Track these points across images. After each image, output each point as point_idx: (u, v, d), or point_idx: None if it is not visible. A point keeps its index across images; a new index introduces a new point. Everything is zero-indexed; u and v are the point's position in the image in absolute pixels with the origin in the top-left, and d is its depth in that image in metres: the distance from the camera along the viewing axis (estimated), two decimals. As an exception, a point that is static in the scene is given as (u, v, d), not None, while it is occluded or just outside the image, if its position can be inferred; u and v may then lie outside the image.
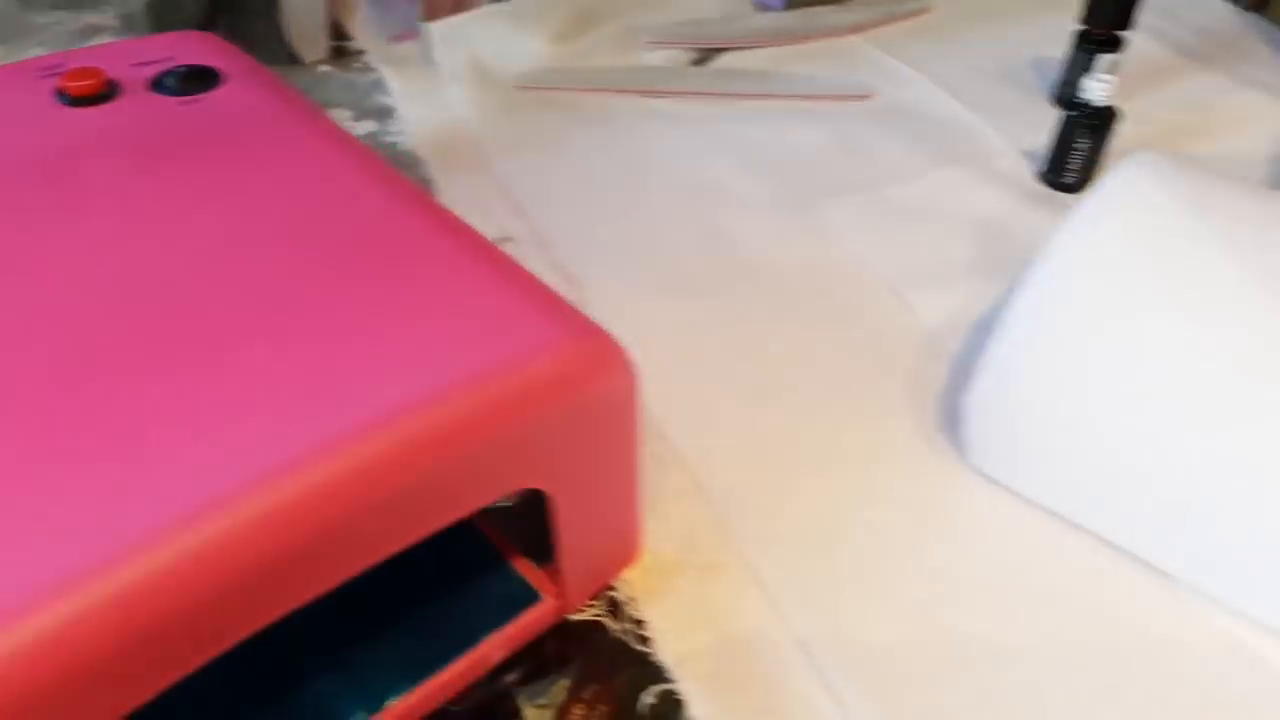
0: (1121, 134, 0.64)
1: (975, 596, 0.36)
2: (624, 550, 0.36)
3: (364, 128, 0.62)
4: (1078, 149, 0.57)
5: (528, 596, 0.34)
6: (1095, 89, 0.55)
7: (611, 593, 0.36)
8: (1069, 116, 0.56)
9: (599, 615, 0.35)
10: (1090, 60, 0.64)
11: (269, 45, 0.70)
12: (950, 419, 0.43)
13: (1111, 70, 0.64)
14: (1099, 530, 0.38)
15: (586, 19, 0.75)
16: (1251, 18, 0.79)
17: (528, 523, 0.34)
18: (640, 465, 0.33)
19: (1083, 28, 0.64)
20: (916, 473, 0.41)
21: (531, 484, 0.29)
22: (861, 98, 0.67)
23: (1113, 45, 0.64)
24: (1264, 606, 0.35)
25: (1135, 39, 0.74)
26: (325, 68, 0.69)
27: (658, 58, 0.72)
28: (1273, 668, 0.34)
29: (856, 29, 0.76)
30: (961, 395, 0.40)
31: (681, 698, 0.33)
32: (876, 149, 0.61)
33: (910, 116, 0.65)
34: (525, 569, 0.35)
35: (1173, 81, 0.70)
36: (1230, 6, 0.81)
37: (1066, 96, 0.63)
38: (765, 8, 0.79)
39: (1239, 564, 0.35)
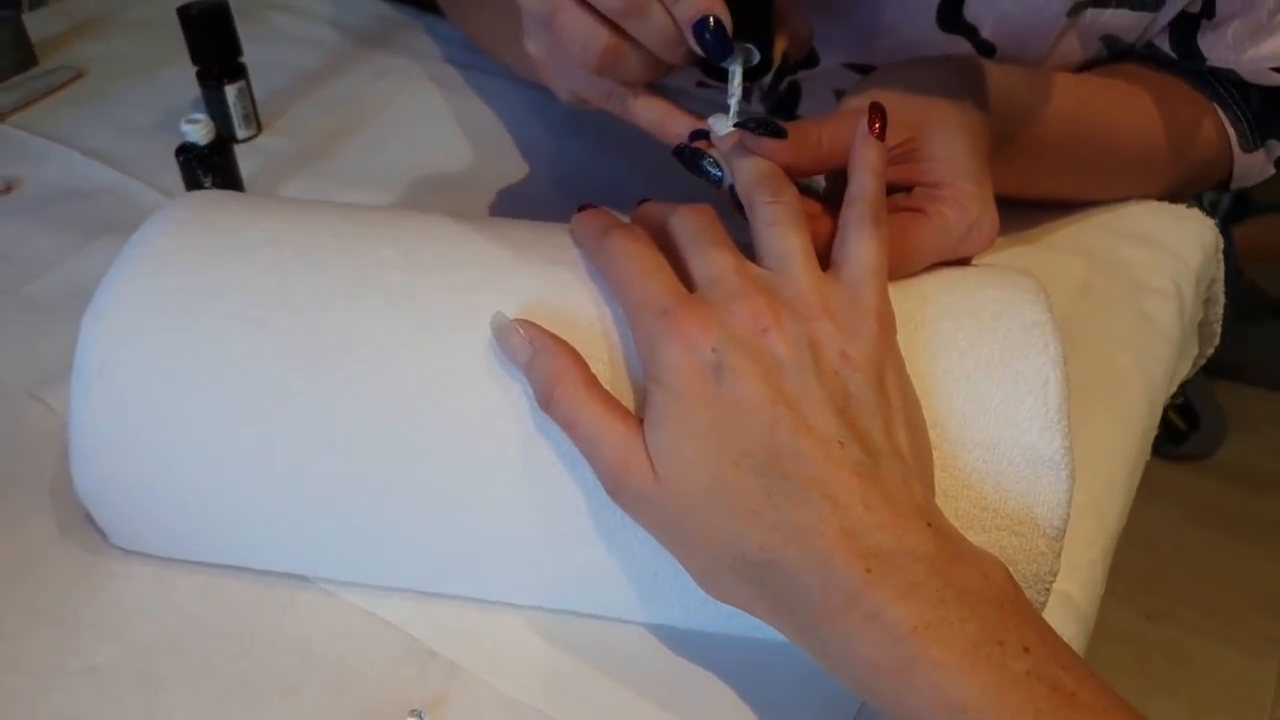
0: (271, 148, 0.67)
1: (133, 685, 0.36)
2: None
3: None
4: (209, 187, 0.58)
5: None
6: (191, 131, 0.57)
7: None
8: (181, 161, 0.58)
9: None
10: (221, 94, 0.66)
11: None
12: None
13: (240, 97, 0.67)
14: (240, 562, 0.40)
15: None
16: (396, 7, 0.87)
17: None
18: None
19: (197, 68, 0.66)
20: (64, 574, 0.40)
21: None
22: (1, 192, 0.63)
23: (233, 75, 0.66)
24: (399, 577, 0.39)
25: (288, 52, 0.78)
26: None
27: None
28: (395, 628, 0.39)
29: (0, 116, 0.71)
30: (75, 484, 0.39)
31: None
32: (17, 244, 0.58)
33: (56, 197, 0.62)
34: None
35: (323, 85, 0.75)
36: (376, 0, 0.88)
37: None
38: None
39: (360, 544, 0.38)
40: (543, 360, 0.35)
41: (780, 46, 0.41)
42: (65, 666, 0.37)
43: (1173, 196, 0.58)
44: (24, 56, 0.76)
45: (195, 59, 0.65)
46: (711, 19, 0.36)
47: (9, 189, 0.63)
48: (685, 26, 0.37)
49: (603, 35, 0.38)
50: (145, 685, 0.36)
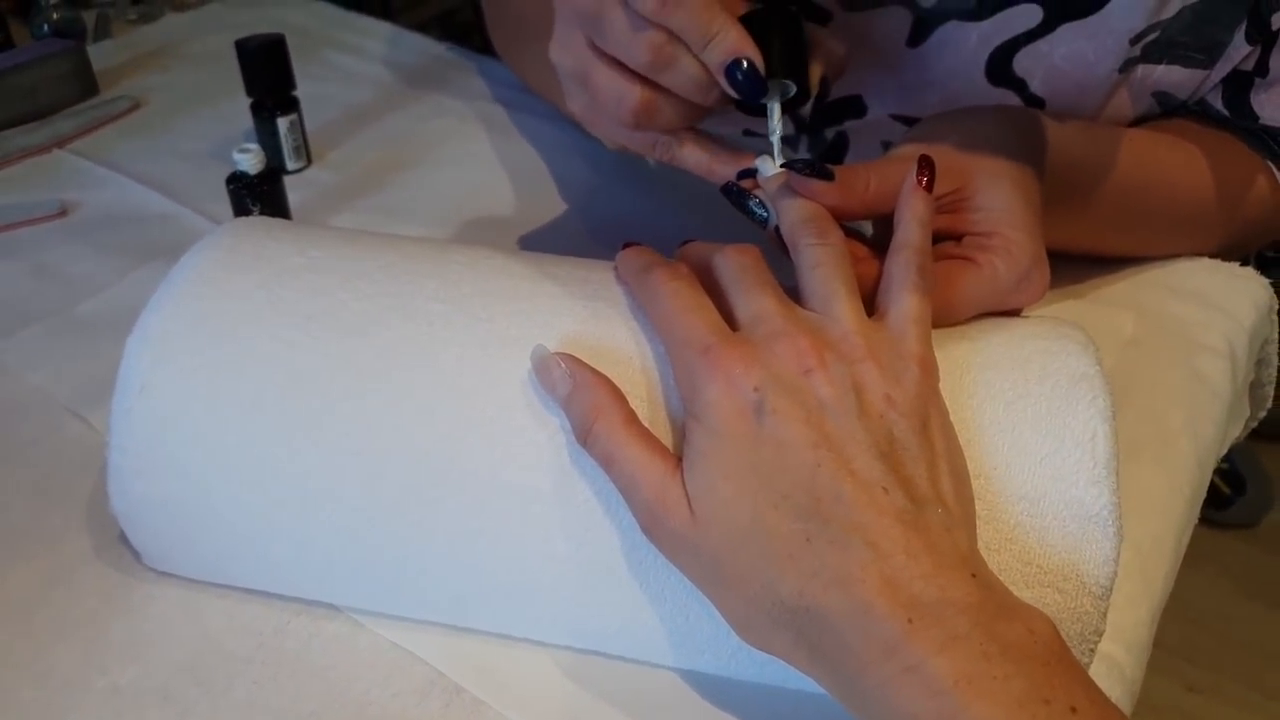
0: (320, 180, 0.68)
1: (156, 706, 0.36)
2: None
3: None
4: (255, 214, 0.59)
5: None
6: (242, 160, 0.57)
7: None
8: (231, 189, 0.58)
9: None
10: (273, 126, 0.68)
11: None
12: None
13: (292, 130, 0.68)
14: (269, 587, 0.40)
15: None
16: (448, 46, 0.88)
17: None
18: None
19: (251, 99, 0.67)
20: (95, 592, 0.40)
21: None
22: (57, 216, 0.64)
23: (286, 108, 0.68)
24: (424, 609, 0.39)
25: (341, 88, 0.80)
26: None
27: None
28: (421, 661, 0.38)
29: (60, 142, 0.73)
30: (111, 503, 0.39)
31: None
32: (70, 266, 0.59)
33: (109, 222, 0.63)
34: None
35: (374, 121, 0.76)
36: (429, 40, 0.90)
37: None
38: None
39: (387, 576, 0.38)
40: (582, 394, 0.34)
41: (816, 74, 0.41)
42: (90, 684, 0.36)
43: (1225, 254, 0.57)
44: (87, 85, 0.79)
45: (250, 91, 0.67)
46: (744, 61, 0.37)
47: (65, 212, 0.64)
48: (717, 71, 0.37)
49: (635, 92, 0.39)
50: (167, 707, 0.36)
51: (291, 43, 0.67)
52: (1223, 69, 0.51)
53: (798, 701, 0.36)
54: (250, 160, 0.58)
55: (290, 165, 0.69)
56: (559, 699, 0.37)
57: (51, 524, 0.43)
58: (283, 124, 0.67)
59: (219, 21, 0.91)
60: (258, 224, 0.43)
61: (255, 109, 0.68)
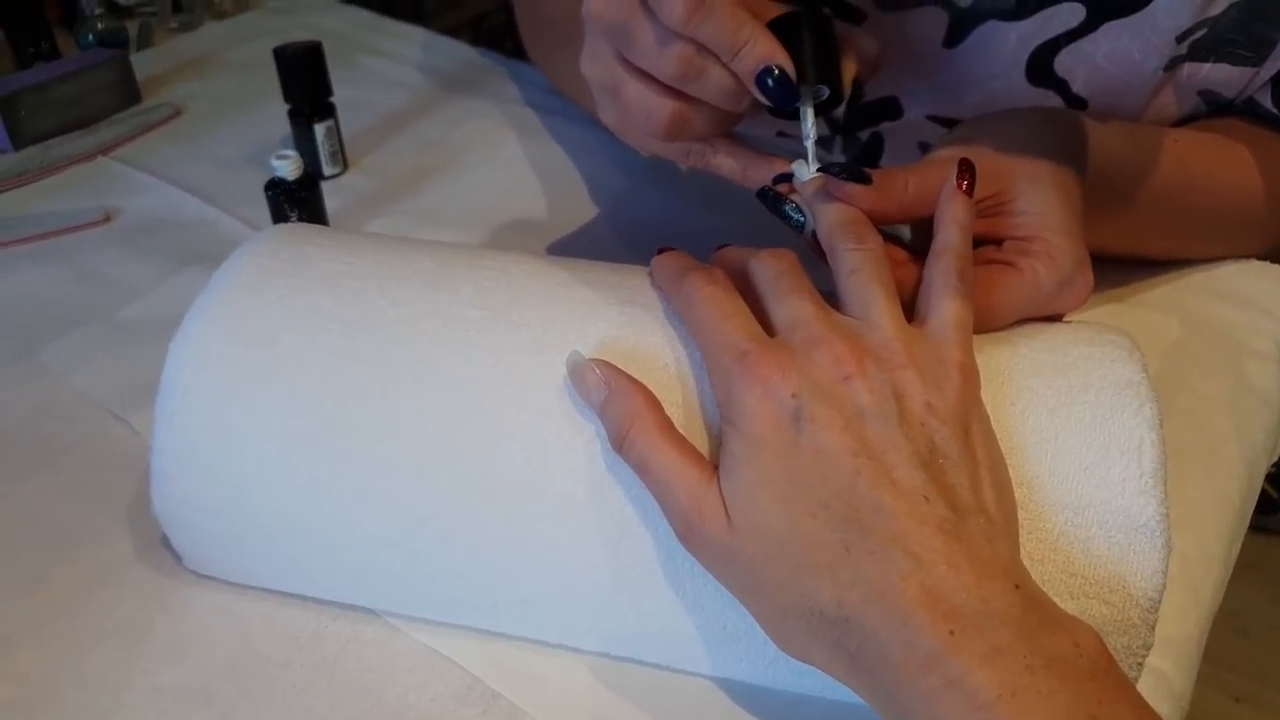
0: (357, 186, 0.69)
1: (197, 708, 0.36)
2: None
3: None
4: (295, 221, 0.60)
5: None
6: (280, 167, 0.58)
7: None
8: (269, 195, 0.59)
9: None
10: (310, 132, 0.68)
11: None
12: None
13: (329, 136, 0.68)
14: (307, 591, 0.40)
15: None
16: (480, 51, 0.89)
17: None
18: None
19: (288, 106, 0.68)
20: (137, 594, 0.40)
21: None
22: (100, 222, 0.65)
23: (323, 114, 0.68)
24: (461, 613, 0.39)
25: (376, 93, 0.80)
26: None
27: None
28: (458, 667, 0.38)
29: (104, 150, 0.74)
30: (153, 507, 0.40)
31: None
32: (113, 271, 0.60)
33: (151, 227, 0.64)
34: None
35: (409, 126, 0.77)
36: (462, 44, 0.90)
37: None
38: (-1, 149, 0.74)
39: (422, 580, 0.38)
40: (618, 401, 0.34)
41: (849, 75, 0.40)
42: (133, 685, 0.37)
43: (1273, 257, 0.56)
44: (129, 94, 0.80)
45: (287, 98, 0.67)
46: (775, 68, 0.36)
47: (108, 219, 0.65)
48: (748, 80, 0.37)
49: (666, 105, 0.38)
50: (208, 709, 0.36)
51: (325, 48, 0.68)
52: (1272, 67, 0.50)
53: (835, 712, 0.35)
54: (288, 166, 0.58)
55: (327, 171, 0.70)
56: (595, 706, 0.36)
57: (94, 526, 0.43)
58: (320, 130, 0.68)
59: (257, 29, 0.93)
60: (296, 230, 0.44)
61: (293, 115, 0.68)
